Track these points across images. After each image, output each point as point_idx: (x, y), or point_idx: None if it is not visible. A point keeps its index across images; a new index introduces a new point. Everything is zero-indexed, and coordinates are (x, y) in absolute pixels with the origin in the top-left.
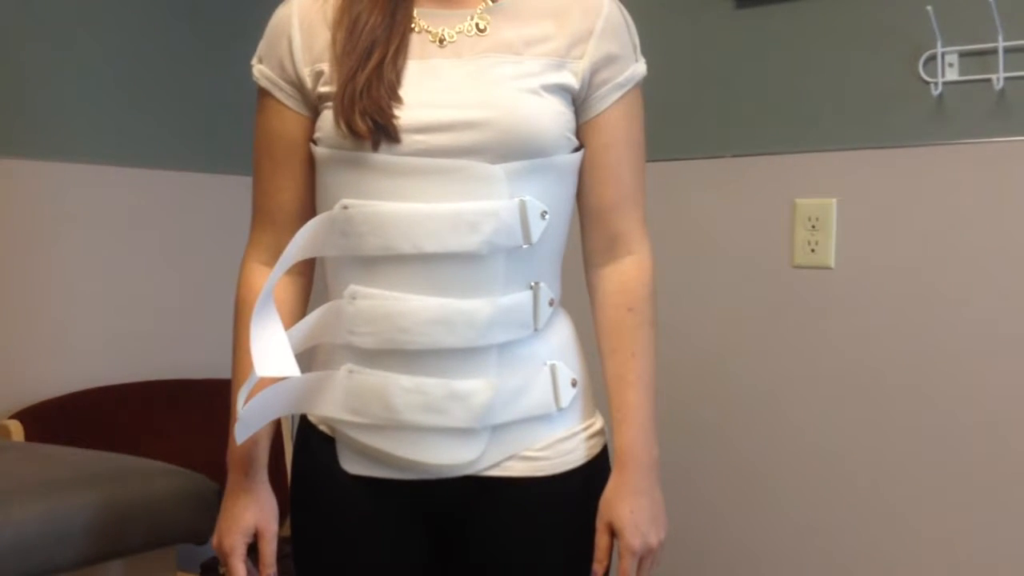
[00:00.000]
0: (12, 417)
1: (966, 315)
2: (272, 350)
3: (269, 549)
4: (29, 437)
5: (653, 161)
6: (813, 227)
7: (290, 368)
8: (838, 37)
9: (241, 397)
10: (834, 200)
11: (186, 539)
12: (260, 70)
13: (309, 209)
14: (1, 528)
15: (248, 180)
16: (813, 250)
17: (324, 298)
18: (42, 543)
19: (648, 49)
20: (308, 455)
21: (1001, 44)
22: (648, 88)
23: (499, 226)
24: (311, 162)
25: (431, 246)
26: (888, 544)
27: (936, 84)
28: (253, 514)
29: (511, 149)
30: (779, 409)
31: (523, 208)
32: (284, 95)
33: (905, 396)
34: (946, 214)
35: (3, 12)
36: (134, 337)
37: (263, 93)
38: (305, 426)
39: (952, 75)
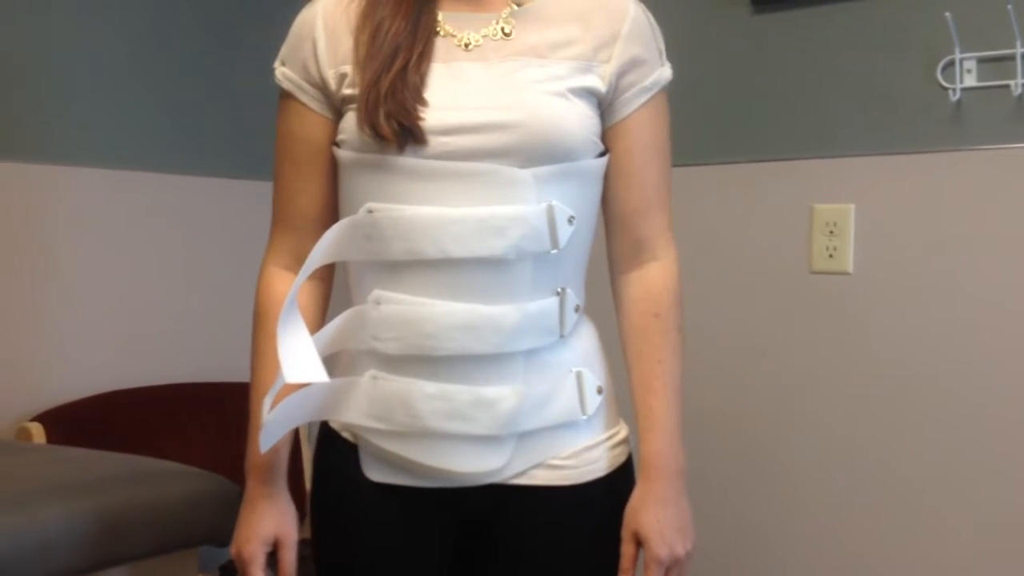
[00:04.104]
0: (33, 420)
1: (984, 320)
2: (300, 357)
3: (289, 558)
4: (50, 439)
5: (671, 166)
6: (831, 232)
7: (318, 374)
8: (856, 42)
9: (266, 404)
10: (852, 205)
11: (207, 541)
12: (283, 72)
13: (330, 213)
14: (24, 529)
15: (266, 184)
16: (831, 255)
17: (345, 303)
18: (64, 544)
19: (669, 56)
20: (330, 462)
21: (1019, 50)
22: (667, 93)
23: (527, 231)
24: (333, 165)
25: (458, 251)
26: (914, 546)
27: (954, 90)
28: (273, 522)
29: (537, 152)
30: (798, 415)
31: (551, 213)
32: (308, 97)
33: (924, 401)
34: (964, 220)
35: (17, 15)
36: (153, 340)
37: (285, 96)
38: (326, 432)
39: (970, 81)
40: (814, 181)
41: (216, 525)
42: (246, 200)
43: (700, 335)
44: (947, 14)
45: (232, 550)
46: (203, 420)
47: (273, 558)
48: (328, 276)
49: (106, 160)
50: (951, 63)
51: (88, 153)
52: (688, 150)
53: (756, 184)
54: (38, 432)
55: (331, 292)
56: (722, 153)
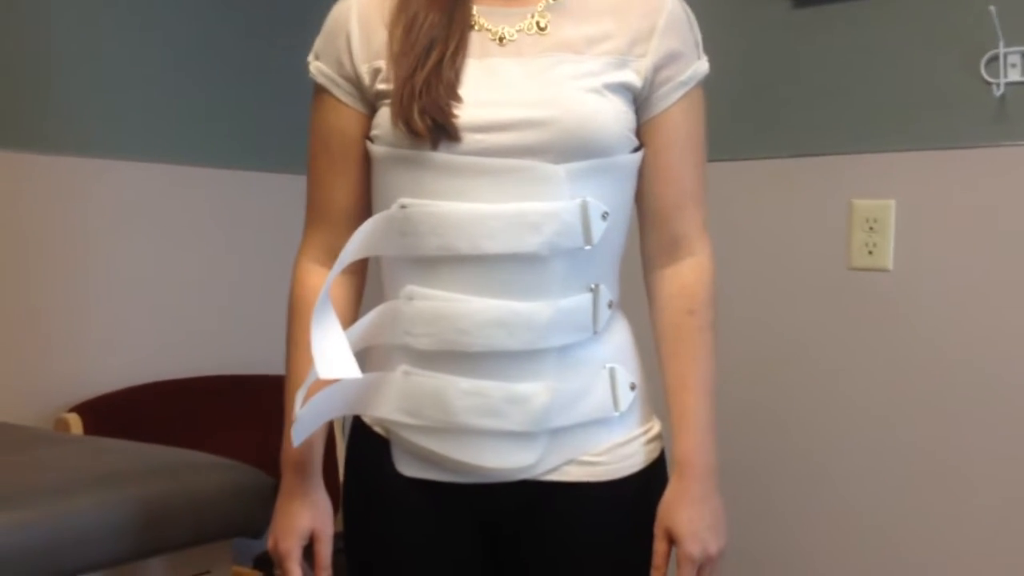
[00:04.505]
0: (71, 411)
1: None
2: (333, 352)
3: (325, 551)
4: (87, 430)
5: (708, 161)
6: (871, 229)
7: (351, 370)
8: (897, 36)
9: (299, 399)
10: (893, 201)
11: (242, 533)
12: (317, 67)
13: (364, 208)
14: (61, 519)
15: (300, 178)
16: (871, 252)
17: (378, 298)
18: (100, 534)
19: (704, 49)
20: (362, 456)
21: None
22: (704, 88)
23: (560, 227)
24: (367, 160)
25: (491, 247)
26: (955, 544)
27: (998, 85)
28: (309, 517)
29: (573, 149)
30: (836, 413)
31: (584, 209)
32: (341, 92)
33: (965, 399)
34: (1006, 216)
35: (58, 9)
36: (190, 333)
37: (319, 90)
38: (359, 427)
39: (1015, 75)
40: (854, 176)
41: (251, 517)
42: (283, 194)
43: (737, 332)
44: (991, 7)
45: (268, 544)
46: (238, 412)
47: (309, 551)
48: (361, 270)
49: (144, 154)
50: (995, 57)
51: (127, 147)
52: (727, 145)
53: (795, 179)
54: (75, 423)
55: (364, 286)
56: (761, 148)
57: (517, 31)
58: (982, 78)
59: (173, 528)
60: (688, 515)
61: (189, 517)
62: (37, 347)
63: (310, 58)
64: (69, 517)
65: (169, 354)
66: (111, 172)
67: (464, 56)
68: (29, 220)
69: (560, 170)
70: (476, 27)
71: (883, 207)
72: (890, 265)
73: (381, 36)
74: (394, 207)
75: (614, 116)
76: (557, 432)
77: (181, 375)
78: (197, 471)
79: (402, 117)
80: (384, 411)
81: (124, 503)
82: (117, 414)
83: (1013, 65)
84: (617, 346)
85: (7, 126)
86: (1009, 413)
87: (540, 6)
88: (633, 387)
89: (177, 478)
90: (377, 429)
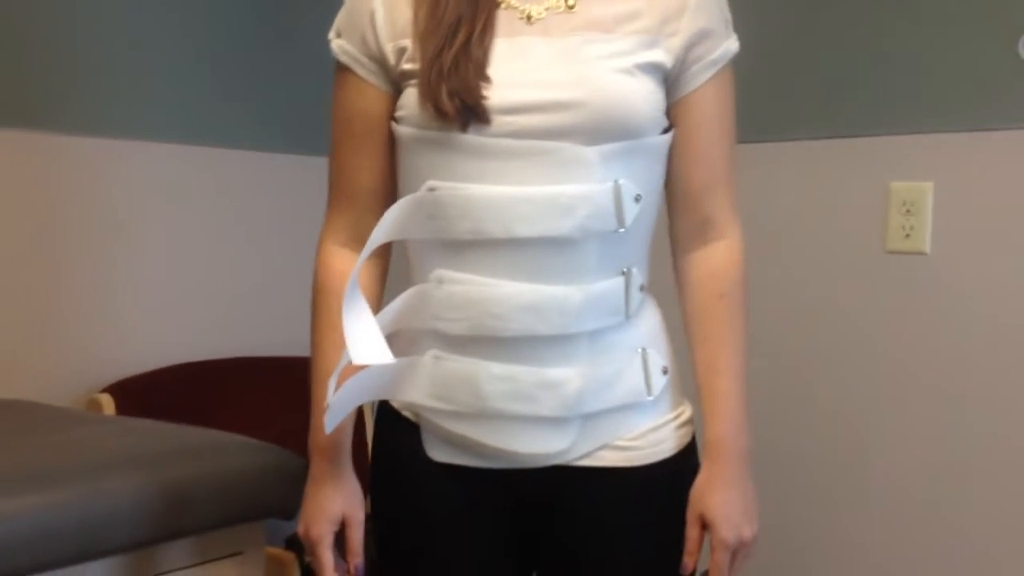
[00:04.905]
0: (104, 391)
1: None
2: (366, 338)
3: (356, 538)
4: (120, 410)
5: (743, 143)
6: (908, 211)
7: (384, 356)
8: (935, 16)
9: (331, 384)
10: (930, 184)
11: (273, 514)
12: (339, 45)
13: (388, 189)
14: (94, 500)
15: (323, 160)
16: (908, 235)
17: (402, 281)
18: (132, 515)
19: (739, 28)
20: (391, 441)
21: None
22: (738, 68)
23: (593, 210)
24: (391, 140)
25: (524, 230)
26: (994, 529)
27: None
28: (339, 502)
29: (604, 131)
30: (872, 397)
31: (617, 191)
32: (365, 71)
33: (1002, 383)
34: None
35: None
36: (221, 314)
37: (342, 69)
38: (387, 412)
39: None
40: (891, 158)
41: (282, 498)
42: (303, 176)
43: (772, 316)
44: None
45: (300, 530)
46: (270, 393)
47: (340, 536)
48: (386, 253)
49: (166, 135)
50: None
51: (149, 128)
52: (761, 127)
53: (831, 161)
54: (108, 403)
55: (388, 269)
56: (796, 130)
57: (545, 9)
58: (1020, 58)
59: (204, 509)
60: (721, 499)
61: (220, 498)
62: (70, 328)
63: (331, 35)
64: (101, 497)
65: (201, 335)
66: (142, 153)
67: (492, 35)
68: (60, 201)
69: (592, 152)
70: (503, 5)
71: (920, 189)
72: (927, 248)
73: (406, 14)
74: (422, 190)
75: (644, 97)
76: (590, 417)
77: (213, 356)
78: (227, 452)
79: (430, 98)
80: (414, 396)
81: (156, 484)
82: (149, 394)
83: None
84: (648, 330)
85: (36, 106)
86: None
87: None
88: (665, 371)
89: (208, 459)
90: (406, 414)
